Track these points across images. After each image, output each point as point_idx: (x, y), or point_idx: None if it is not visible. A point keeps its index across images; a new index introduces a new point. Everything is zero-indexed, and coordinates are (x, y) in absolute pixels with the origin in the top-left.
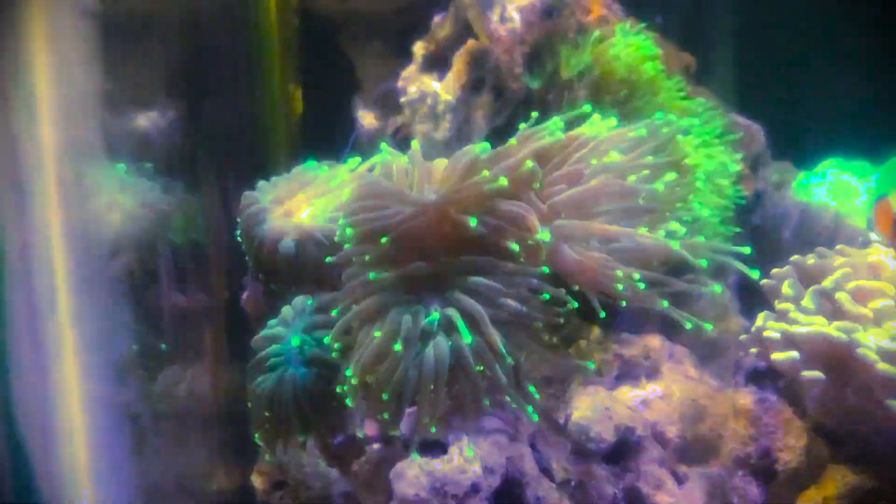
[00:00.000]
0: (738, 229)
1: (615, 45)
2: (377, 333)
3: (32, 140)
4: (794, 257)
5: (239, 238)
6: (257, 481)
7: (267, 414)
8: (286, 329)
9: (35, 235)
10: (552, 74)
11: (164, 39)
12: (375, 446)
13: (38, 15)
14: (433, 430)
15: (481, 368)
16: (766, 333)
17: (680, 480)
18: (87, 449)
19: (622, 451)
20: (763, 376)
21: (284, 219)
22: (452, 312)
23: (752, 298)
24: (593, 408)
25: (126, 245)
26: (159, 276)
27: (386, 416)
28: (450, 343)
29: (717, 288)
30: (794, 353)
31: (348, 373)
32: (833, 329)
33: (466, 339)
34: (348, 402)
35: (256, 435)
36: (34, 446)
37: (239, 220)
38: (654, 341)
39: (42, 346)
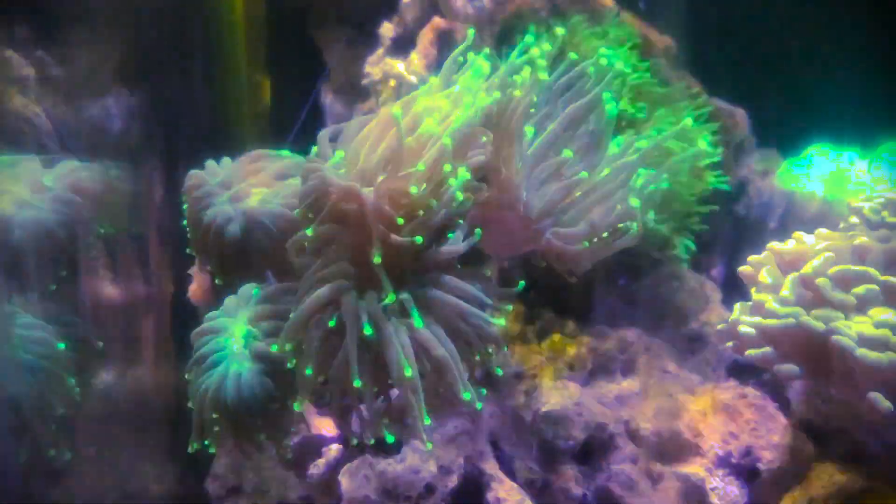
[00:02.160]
0: (714, 207)
1: (587, 25)
2: (332, 323)
3: None
4: (772, 243)
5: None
6: (212, 486)
7: (214, 416)
8: (230, 320)
9: None
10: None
11: (122, 24)
12: (332, 448)
13: None
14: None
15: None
16: (740, 328)
17: (654, 480)
18: None
19: (593, 450)
20: (745, 370)
21: (232, 203)
22: (406, 297)
23: (737, 290)
24: (563, 403)
25: (49, 230)
26: (88, 265)
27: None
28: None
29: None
30: (767, 349)
31: (308, 372)
32: (811, 318)
33: (418, 323)
34: (296, 406)
35: (199, 441)
36: None
37: (184, 201)
38: (631, 334)
39: None
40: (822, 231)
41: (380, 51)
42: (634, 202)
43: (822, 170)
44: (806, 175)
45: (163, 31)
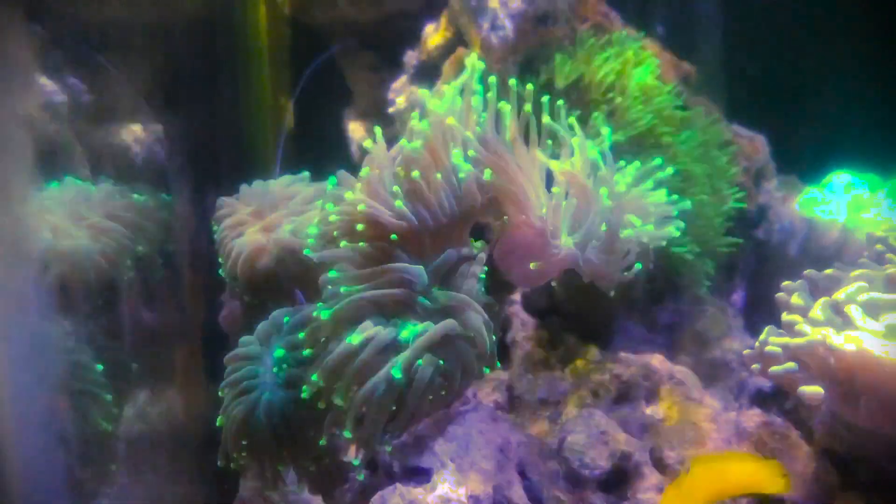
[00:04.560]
0: (737, 239)
1: (608, 53)
2: (351, 340)
3: None
4: (808, 271)
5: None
6: None
7: (244, 442)
8: (262, 348)
9: None
10: (546, 83)
11: (150, 51)
12: (360, 473)
13: None
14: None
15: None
16: (767, 348)
17: None
18: (17, 475)
19: (618, 478)
20: (768, 398)
21: (264, 233)
22: (430, 326)
23: (757, 315)
24: (588, 431)
25: (89, 259)
26: (127, 293)
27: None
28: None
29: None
30: (792, 365)
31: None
32: (840, 339)
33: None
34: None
35: (226, 461)
36: None
37: (215, 228)
38: (654, 361)
39: None
40: (864, 260)
41: (403, 78)
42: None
43: (842, 196)
44: (826, 201)
45: (189, 58)
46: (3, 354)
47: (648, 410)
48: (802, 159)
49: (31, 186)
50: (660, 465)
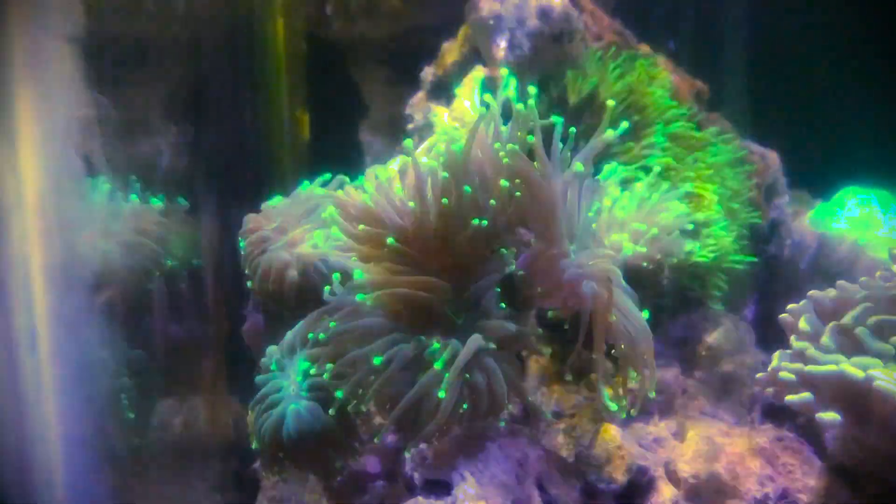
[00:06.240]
0: (752, 258)
1: (619, 70)
2: (377, 360)
3: (12, 170)
4: (812, 292)
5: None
6: None
7: (272, 454)
8: (287, 360)
9: (14, 269)
10: (558, 100)
11: (169, 65)
12: (377, 485)
13: (19, 41)
14: None
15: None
16: (781, 374)
17: None
18: (66, 492)
19: (634, 492)
20: (781, 413)
21: (288, 249)
22: (455, 344)
23: (767, 330)
24: (603, 445)
25: (120, 275)
26: (154, 307)
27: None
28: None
29: None
30: (807, 395)
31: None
32: (849, 366)
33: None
34: None
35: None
36: (11, 492)
37: (241, 243)
38: (668, 375)
39: (21, 384)
40: (865, 280)
41: (420, 93)
42: None
43: (853, 212)
44: (837, 217)
45: (210, 72)
46: (55, 375)
47: (662, 424)
48: (814, 175)
49: (81, 208)
50: (674, 479)
